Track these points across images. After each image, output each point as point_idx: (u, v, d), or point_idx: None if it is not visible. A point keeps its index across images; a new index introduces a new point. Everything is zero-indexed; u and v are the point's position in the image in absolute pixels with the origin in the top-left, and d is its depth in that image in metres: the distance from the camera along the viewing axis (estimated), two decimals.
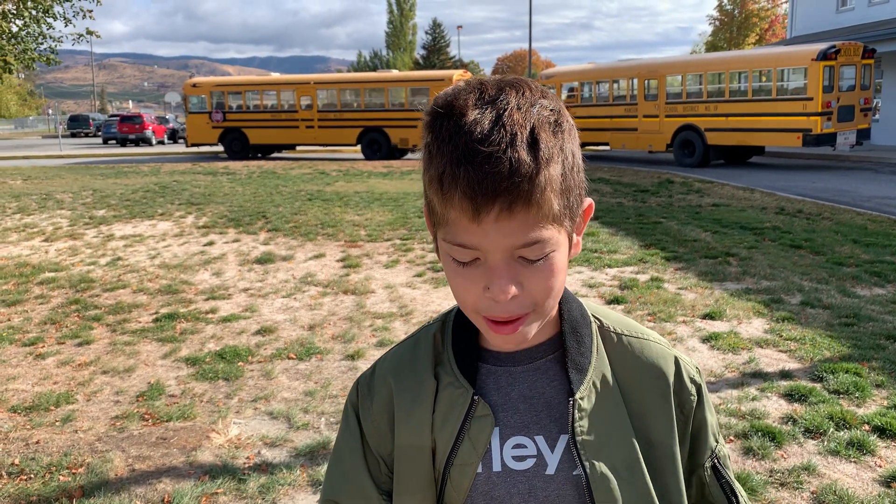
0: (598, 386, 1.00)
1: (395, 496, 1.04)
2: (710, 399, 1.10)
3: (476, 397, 0.99)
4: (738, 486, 1.11)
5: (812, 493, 3.42)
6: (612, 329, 1.05)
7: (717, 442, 1.10)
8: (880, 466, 3.65)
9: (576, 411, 0.97)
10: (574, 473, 0.97)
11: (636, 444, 0.99)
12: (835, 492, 3.38)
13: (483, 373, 1.02)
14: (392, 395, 1.05)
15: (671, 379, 1.04)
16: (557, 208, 0.87)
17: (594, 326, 1.04)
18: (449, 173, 0.84)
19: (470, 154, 0.83)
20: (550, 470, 0.98)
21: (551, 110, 0.88)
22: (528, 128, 0.84)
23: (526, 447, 0.99)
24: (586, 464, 0.96)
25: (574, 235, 0.95)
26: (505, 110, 0.85)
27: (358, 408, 1.08)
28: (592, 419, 0.98)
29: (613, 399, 1.00)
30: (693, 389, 1.06)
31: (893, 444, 3.88)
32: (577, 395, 0.98)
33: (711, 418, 1.09)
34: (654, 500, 0.98)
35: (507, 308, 0.89)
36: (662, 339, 1.08)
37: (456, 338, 1.03)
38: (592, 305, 1.08)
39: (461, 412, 0.99)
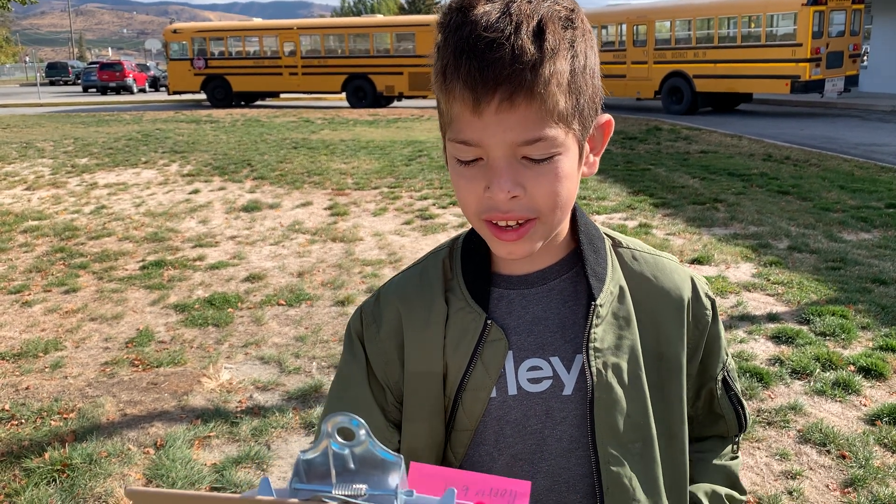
0: (615, 296, 0.98)
1: (404, 423, 1.01)
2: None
3: (489, 322, 0.96)
4: (742, 398, 1.13)
5: (798, 431, 3.48)
6: (625, 245, 1.04)
7: (727, 356, 1.10)
8: (865, 405, 3.71)
9: (594, 317, 0.95)
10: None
11: (642, 357, 0.97)
12: (820, 430, 3.44)
13: (495, 297, 0.99)
14: (401, 320, 1.01)
15: (687, 294, 1.03)
16: (564, 106, 0.83)
17: (608, 243, 1.02)
18: (451, 63, 0.82)
19: (473, 42, 0.81)
20: (567, 391, 0.96)
21: (565, 7, 0.85)
22: (536, 19, 0.81)
23: (541, 369, 0.96)
24: (594, 370, 0.94)
25: (587, 148, 0.92)
26: (514, 2, 0.82)
27: (363, 335, 1.04)
28: (606, 328, 0.96)
29: (627, 311, 0.98)
30: (708, 304, 1.05)
31: (878, 383, 3.94)
32: (598, 301, 0.95)
33: (723, 333, 1.09)
34: (649, 412, 0.98)
35: (508, 208, 0.86)
36: (675, 258, 1.08)
37: (466, 263, 1.00)
38: (604, 228, 1.06)
39: (474, 337, 0.96)
